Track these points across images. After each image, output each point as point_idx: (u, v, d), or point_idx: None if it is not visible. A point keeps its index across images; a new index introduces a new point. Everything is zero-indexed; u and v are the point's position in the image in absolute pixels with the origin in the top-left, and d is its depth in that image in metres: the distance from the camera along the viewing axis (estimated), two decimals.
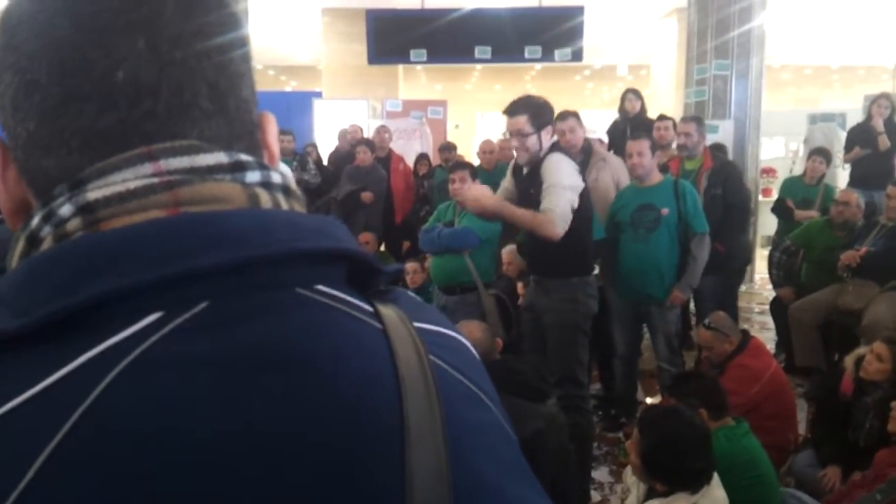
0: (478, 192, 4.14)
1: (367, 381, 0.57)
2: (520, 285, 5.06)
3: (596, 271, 4.38)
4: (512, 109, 4.13)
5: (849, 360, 4.25)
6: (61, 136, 0.60)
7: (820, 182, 7.47)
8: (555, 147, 4.14)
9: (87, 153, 0.60)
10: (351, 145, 9.42)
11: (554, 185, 3.97)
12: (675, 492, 2.81)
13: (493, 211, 4.12)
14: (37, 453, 0.49)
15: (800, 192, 7.47)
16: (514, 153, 4.27)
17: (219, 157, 0.62)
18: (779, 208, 7.53)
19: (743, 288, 9.42)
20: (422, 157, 9.79)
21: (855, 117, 9.35)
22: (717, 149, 7.38)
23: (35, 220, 0.60)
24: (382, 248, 8.56)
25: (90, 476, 0.49)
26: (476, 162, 7.64)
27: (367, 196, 8.24)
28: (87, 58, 0.59)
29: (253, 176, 0.63)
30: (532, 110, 4.08)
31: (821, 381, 5.21)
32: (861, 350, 4.24)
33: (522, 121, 4.06)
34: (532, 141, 4.07)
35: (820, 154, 7.56)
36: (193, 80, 0.62)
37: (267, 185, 0.64)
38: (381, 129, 9.36)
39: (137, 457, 0.49)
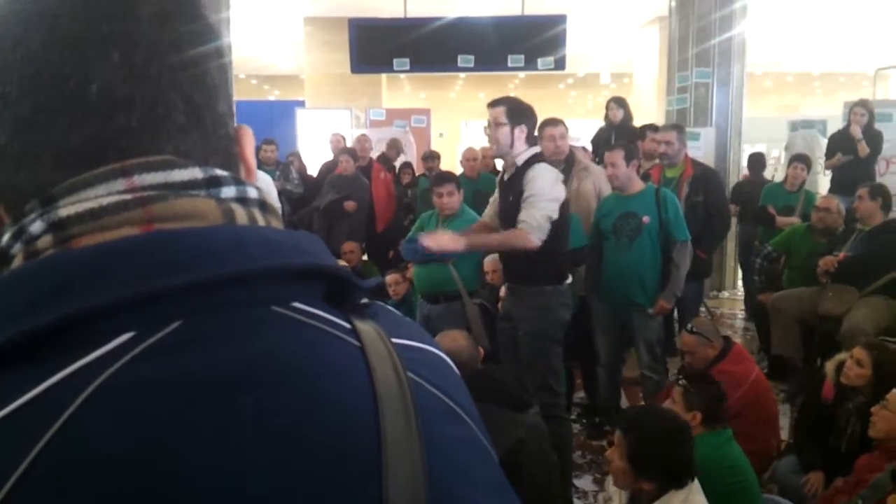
0: (443, 241, 4.16)
1: (344, 399, 0.57)
2: (502, 289, 5.06)
3: (570, 280, 4.38)
4: (493, 102, 4.27)
5: (829, 366, 4.26)
6: (33, 151, 0.59)
7: (801, 188, 7.51)
8: (537, 157, 4.18)
9: (60, 168, 0.59)
10: (334, 154, 9.44)
11: (535, 196, 4.05)
12: (665, 491, 2.82)
13: (465, 249, 4.19)
14: (6, 476, 0.48)
15: (781, 199, 7.51)
16: (489, 144, 4.42)
17: (193, 173, 0.61)
18: (760, 215, 7.57)
19: (725, 294, 9.48)
20: (405, 166, 9.79)
21: (836, 124, 9.41)
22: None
23: (6, 237, 0.59)
24: (366, 257, 8.54)
25: (60, 500, 0.48)
26: (460, 170, 7.66)
27: (350, 205, 8.22)
28: (59, 72, 0.59)
29: (228, 191, 0.63)
30: (510, 104, 4.21)
31: (801, 381, 5.23)
32: (841, 356, 4.25)
33: (499, 111, 4.17)
34: (504, 132, 4.16)
35: (800, 160, 7.61)
36: (168, 94, 0.61)
37: (242, 200, 0.64)
38: (362, 138, 9.36)
39: (109, 480, 0.49)
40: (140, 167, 0.59)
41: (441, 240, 4.14)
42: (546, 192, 4.05)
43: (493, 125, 4.18)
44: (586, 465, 4.96)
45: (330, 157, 9.66)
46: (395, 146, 10.24)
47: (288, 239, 0.62)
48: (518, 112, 4.18)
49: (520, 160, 4.18)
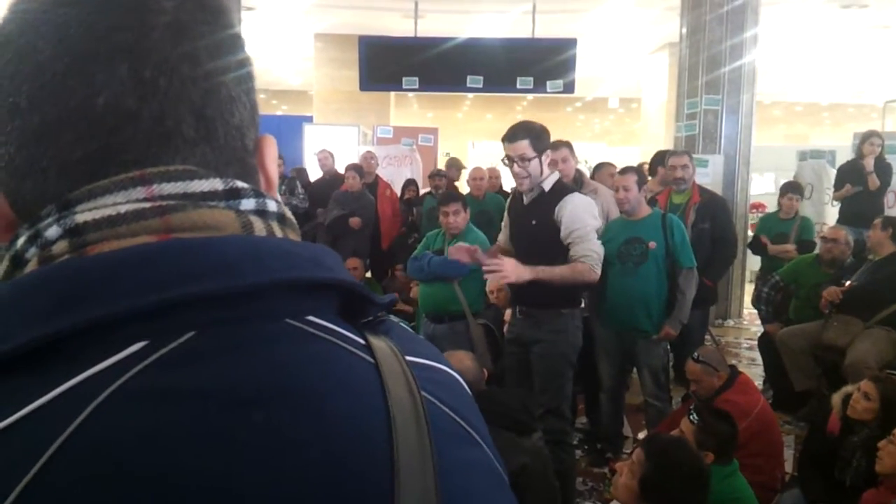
0: (507, 268, 3.96)
1: (357, 417, 0.56)
2: (507, 313, 5.03)
3: (583, 304, 4.36)
4: (512, 135, 4.11)
5: (836, 399, 4.23)
6: (39, 163, 0.59)
7: (795, 216, 7.46)
8: (566, 185, 4.16)
9: (64, 181, 0.59)
10: (322, 171, 9.44)
11: (582, 229, 4.05)
12: None
13: (530, 279, 4.01)
14: (14, 483, 0.47)
15: (775, 228, 7.47)
16: (515, 181, 4.25)
17: (213, 184, 0.60)
18: (754, 245, 7.55)
19: (731, 323, 9.45)
20: (409, 183, 9.79)
21: (844, 154, 9.40)
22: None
23: (21, 241, 0.59)
24: (369, 274, 8.54)
25: None
26: (466, 190, 7.66)
27: (355, 221, 8.23)
28: (66, 84, 0.58)
29: (247, 203, 0.62)
30: (532, 134, 4.08)
31: (818, 406, 5.18)
32: (848, 388, 4.22)
33: (524, 145, 4.05)
34: (534, 165, 4.09)
35: (792, 189, 7.58)
36: (177, 107, 0.60)
37: (262, 212, 0.63)
38: (368, 155, 9.39)
39: (116, 490, 0.48)
40: (160, 176, 0.59)
41: (506, 266, 3.95)
42: (589, 222, 4.08)
43: (520, 160, 4.07)
44: (587, 493, 4.90)
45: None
46: (455, 165, 10.14)
47: (305, 252, 0.61)
48: (539, 139, 4.11)
49: (546, 185, 4.15)
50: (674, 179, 6.22)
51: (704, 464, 3.02)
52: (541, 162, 4.10)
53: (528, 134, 4.08)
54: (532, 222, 4.18)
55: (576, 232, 4.03)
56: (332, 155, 9.91)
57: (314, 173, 10.31)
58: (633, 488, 2.88)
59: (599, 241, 4.11)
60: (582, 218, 4.05)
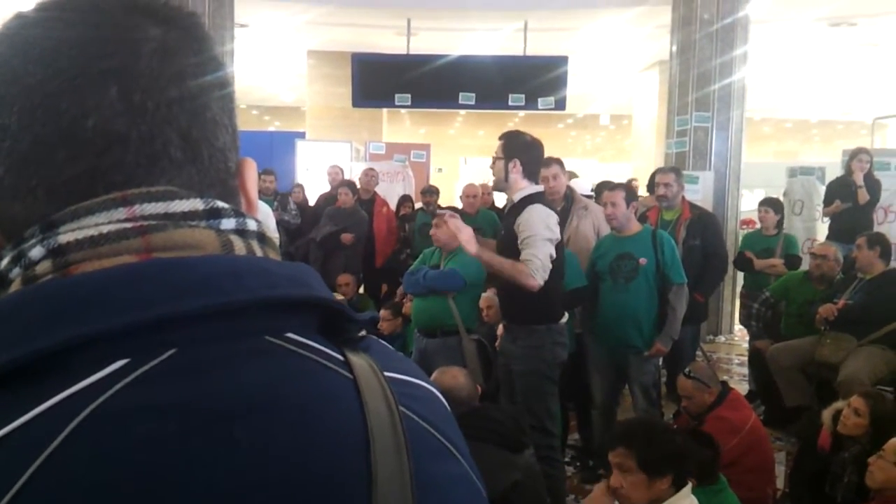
0: (463, 235, 4.11)
1: (335, 432, 0.57)
2: (499, 328, 5.03)
3: (565, 319, 4.35)
4: (500, 136, 4.34)
5: (826, 415, 4.23)
6: (28, 184, 0.60)
7: (779, 232, 7.43)
8: (536, 197, 4.17)
9: (53, 201, 0.59)
10: (332, 187, 9.44)
11: (534, 237, 4.04)
12: (678, 487, 2.87)
13: (474, 255, 4.14)
14: None
15: (759, 244, 7.43)
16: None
17: (194, 204, 0.61)
18: (739, 261, 7.54)
19: (722, 339, 9.45)
20: (405, 199, 9.77)
21: (834, 171, 9.42)
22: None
23: (4, 261, 0.59)
24: (361, 290, 8.52)
25: None
26: (458, 205, 7.65)
27: (347, 238, 8.21)
28: (56, 106, 0.59)
29: (228, 223, 0.63)
30: (506, 138, 4.29)
31: (809, 422, 5.19)
32: (838, 404, 4.23)
33: (498, 145, 4.26)
34: (498, 166, 4.23)
35: (767, 204, 7.55)
36: (165, 129, 0.62)
37: (242, 232, 0.64)
38: (368, 172, 9.33)
39: None
40: (141, 197, 0.60)
41: (463, 233, 4.09)
42: (542, 231, 4.05)
43: (493, 158, 4.26)
44: None
45: (328, 188, 9.66)
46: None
47: (284, 270, 0.62)
48: (512, 147, 4.23)
49: (516, 196, 4.20)
50: (657, 196, 6.26)
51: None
52: (506, 167, 4.18)
53: (506, 137, 4.30)
54: (502, 232, 4.34)
55: (526, 238, 4.05)
56: (342, 170, 9.97)
57: (311, 189, 10.28)
58: (639, 480, 2.84)
59: (550, 251, 4.07)
60: (534, 225, 4.06)
